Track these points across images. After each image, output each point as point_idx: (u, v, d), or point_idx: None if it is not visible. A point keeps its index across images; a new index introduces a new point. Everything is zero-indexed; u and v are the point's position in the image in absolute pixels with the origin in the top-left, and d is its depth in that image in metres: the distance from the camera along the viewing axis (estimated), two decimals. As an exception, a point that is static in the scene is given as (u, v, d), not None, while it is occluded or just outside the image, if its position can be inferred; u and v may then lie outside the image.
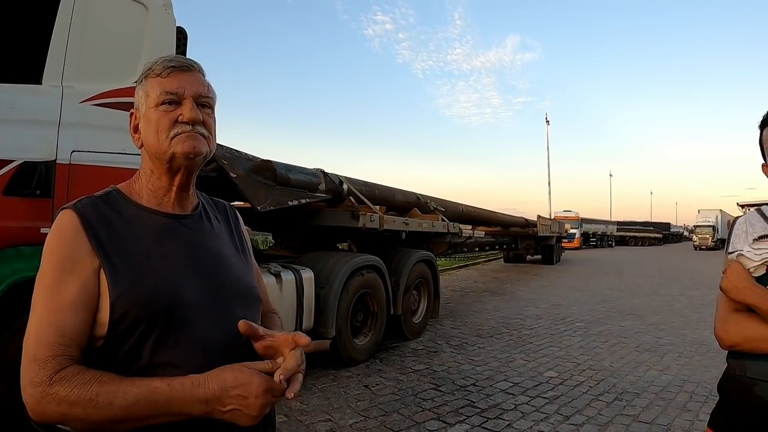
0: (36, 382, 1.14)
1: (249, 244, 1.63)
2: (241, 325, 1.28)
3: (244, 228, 1.65)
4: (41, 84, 3.73)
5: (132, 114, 1.41)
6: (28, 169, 3.61)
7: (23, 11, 4.17)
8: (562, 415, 5.05)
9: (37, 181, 3.63)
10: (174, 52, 4.27)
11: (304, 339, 1.29)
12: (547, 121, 49.60)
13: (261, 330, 1.31)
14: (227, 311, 1.34)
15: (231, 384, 1.17)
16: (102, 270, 1.23)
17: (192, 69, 1.39)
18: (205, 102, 1.38)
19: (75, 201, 1.32)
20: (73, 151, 3.78)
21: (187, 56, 4.50)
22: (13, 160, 3.56)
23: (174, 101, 1.33)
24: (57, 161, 3.72)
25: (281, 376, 1.21)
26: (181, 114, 1.32)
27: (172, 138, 1.32)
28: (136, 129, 1.40)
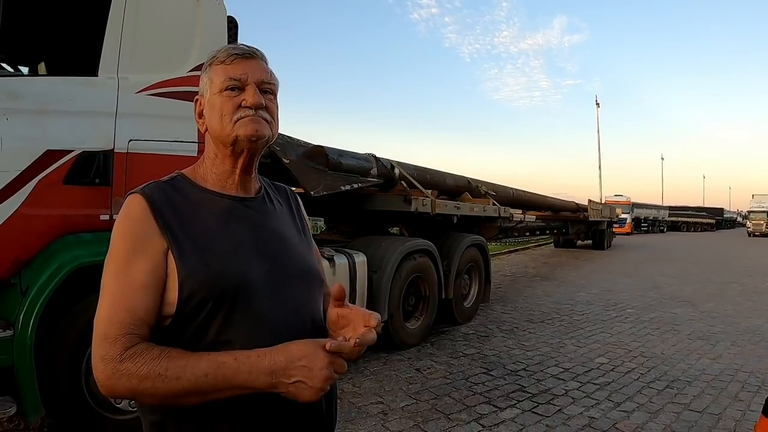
0: (107, 358, 1.17)
1: (309, 226, 1.65)
2: (337, 287, 1.35)
3: (304, 211, 1.67)
4: (97, 76, 3.78)
5: (197, 100, 1.44)
6: (87, 158, 3.68)
7: (78, 5, 4.22)
8: (612, 402, 4.94)
9: (95, 170, 3.70)
10: (225, 42, 4.27)
11: (376, 321, 1.31)
12: (597, 104, 47.78)
13: (345, 300, 1.37)
14: (290, 291, 1.37)
15: (297, 355, 1.19)
16: (170, 252, 1.26)
17: (255, 56, 1.40)
18: (267, 88, 1.39)
19: (142, 186, 1.35)
20: (131, 140, 3.84)
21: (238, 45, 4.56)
22: (72, 150, 3.63)
23: (237, 87, 1.35)
24: (115, 150, 3.78)
25: (358, 339, 1.24)
26: (244, 99, 1.34)
27: (236, 122, 1.34)
28: (200, 115, 1.43)
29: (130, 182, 3.77)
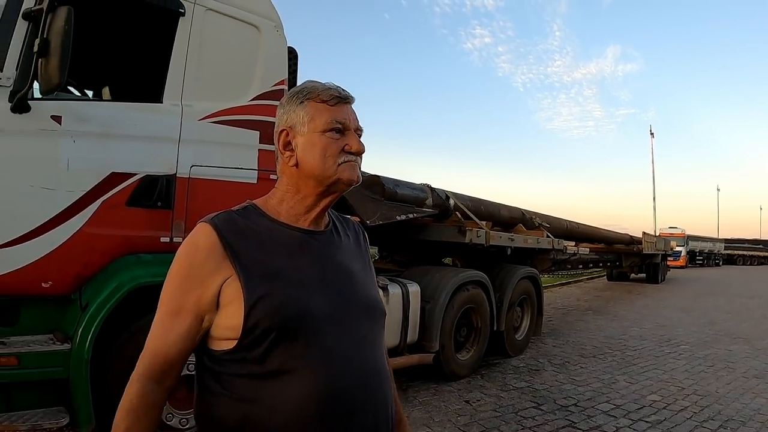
0: (133, 375, 1.32)
1: (371, 261, 1.64)
2: None
3: (368, 245, 1.66)
4: (162, 103, 3.83)
5: (284, 131, 1.42)
6: (150, 182, 3.71)
7: (144, 36, 4.31)
8: (664, 441, 4.65)
9: (158, 194, 3.73)
10: (286, 72, 4.35)
11: None
12: (652, 134, 46.44)
13: None
14: (354, 324, 1.37)
15: None
16: (237, 280, 1.27)
17: (352, 101, 1.44)
18: (359, 134, 1.43)
19: (212, 215, 1.36)
20: (193, 166, 3.85)
21: (298, 74, 4.59)
22: (136, 174, 3.66)
23: (340, 130, 1.37)
24: (177, 175, 3.80)
25: None
26: (347, 144, 1.38)
27: (339, 164, 1.36)
28: (286, 146, 1.42)
29: (192, 206, 3.80)
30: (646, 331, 10.45)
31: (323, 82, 1.45)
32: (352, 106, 1.45)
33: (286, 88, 4.29)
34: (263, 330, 1.25)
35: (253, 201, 1.45)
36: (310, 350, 1.27)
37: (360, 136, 1.43)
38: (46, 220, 3.36)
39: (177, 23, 3.87)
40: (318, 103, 1.39)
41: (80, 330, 3.38)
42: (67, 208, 3.42)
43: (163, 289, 1.34)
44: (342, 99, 1.40)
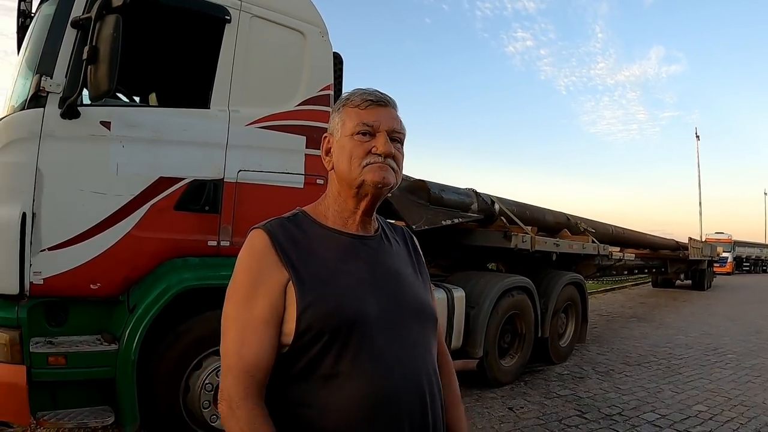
0: (230, 395, 1.26)
1: (425, 266, 1.62)
2: None
3: (420, 250, 1.65)
4: (209, 109, 3.84)
5: (325, 138, 1.46)
6: (198, 186, 3.72)
7: (191, 43, 4.35)
8: (710, 453, 4.45)
9: (205, 198, 3.74)
10: (331, 78, 4.33)
11: None
12: (697, 136, 44.32)
13: None
14: (404, 327, 1.37)
15: None
16: (291, 284, 1.28)
17: (388, 104, 1.41)
18: (396, 137, 1.40)
19: (265, 221, 1.39)
20: (240, 171, 3.85)
21: (343, 80, 4.56)
22: (184, 178, 3.67)
23: (369, 132, 1.36)
24: (225, 180, 3.79)
25: None
26: (374, 146, 1.35)
27: (364, 166, 1.35)
28: (327, 152, 1.45)
29: (239, 211, 3.79)
30: (692, 340, 10.13)
31: (367, 88, 1.43)
32: (394, 110, 1.43)
33: (332, 93, 4.28)
34: (315, 333, 1.26)
35: (303, 207, 1.47)
36: (361, 354, 1.28)
37: (398, 140, 1.41)
38: (96, 223, 3.41)
39: (223, 30, 3.88)
40: (351, 108, 1.40)
41: (127, 331, 3.41)
42: (117, 211, 3.45)
43: (227, 303, 1.34)
44: (375, 102, 1.39)
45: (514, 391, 6.17)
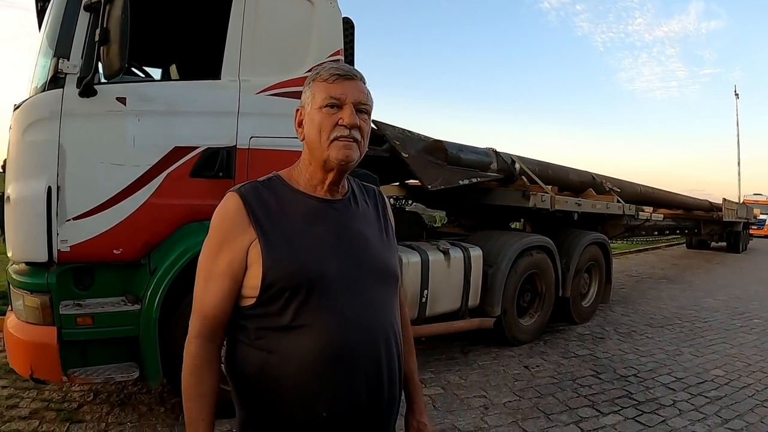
0: (190, 330, 1.46)
1: (393, 227, 1.73)
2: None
3: (390, 212, 1.75)
4: (220, 79, 3.98)
5: (298, 111, 1.55)
6: (212, 154, 3.89)
7: (200, 15, 4.46)
8: (721, 418, 4.50)
9: (219, 165, 3.90)
10: (341, 44, 4.39)
11: None
12: (737, 94, 42.38)
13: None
14: (364, 286, 1.47)
15: None
16: (258, 244, 1.40)
17: (355, 78, 1.49)
18: (363, 108, 1.48)
19: (239, 185, 1.51)
20: (252, 137, 3.99)
21: (355, 44, 4.61)
22: (198, 147, 3.84)
23: (336, 105, 1.44)
24: (237, 147, 3.95)
25: None
26: (341, 118, 1.43)
27: (331, 141, 1.44)
28: (300, 124, 1.54)
29: (252, 175, 3.84)
30: (720, 303, 9.98)
31: (338, 63, 1.52)
32: (362, 83, 1.51)
33: (342, 58, 4.35)
34: (278, 289, 1.38)
35: (278, 172, 1.58)
36: (321, 309, 1.39)
37: (364, 111, 1.49)
38: (116, 192, 3.62)
39: (232, 1, 4.00)
40: (320, 82, 1.48)
41: (149, 292, 3.65)
42: (135, 181, 3.66)
43: (200, 255, 1.48)
44: (342, 76, 1.46)
45: (532, 350, 6.26)
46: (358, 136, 1.46)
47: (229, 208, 1.45)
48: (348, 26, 4.57)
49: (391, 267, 1.60)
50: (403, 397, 1.68)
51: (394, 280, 1.60)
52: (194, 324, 1.45)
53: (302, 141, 1.53)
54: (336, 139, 1.43)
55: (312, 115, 1.47)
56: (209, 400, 1.43)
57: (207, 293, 1.44)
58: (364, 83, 1.53)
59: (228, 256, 1.42)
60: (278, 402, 1.41)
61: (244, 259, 1.42)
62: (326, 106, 1.44)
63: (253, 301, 1.41)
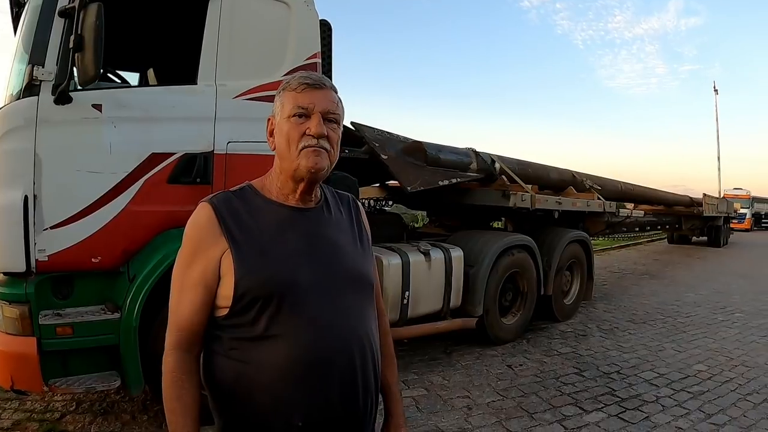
0: (167, 342, 1.47)
1: (369, 235, 1.72)
2: None
3: (365, 220, 1.74)
4: (197, 84, 3.96)
5: (269, 120, 1.55)
6: (189, 160, 3.87)
7: (176, 19, 4.43)
8: (704, 413, 4.56)
9: (196, 170, 3.88)
10: (318, 47, 4.37)
11: None
12: (716, 90, 42.69)
13: None
14: (338, 294, 1.47)
15: None
16: (230, 254, 1.41)
17: (324, 87, 1.49)
18: (332, 117, 1.48)
19: (212, 195, 1.52)
20: (229, 142, 3.98)
21: (333, 46, 4.61)
22: (175, 153, 3.83)
23: (305, 114, 1.45)
24: (215, 152, 3.93)
25: None
26: (308, 127, 1.44)
27: (301, 150, 1.44)
28: (271, 134, 1.54)
29: (230, 181, 3.89)
30: (701, 298, 10.10)
31: (308, 72, 1.54)
32: (331, 92, 1.51)
33: (320, 61, 4.34)
34: (250, 299, 1.38)
35: (251, 182, 1.58)
36: (294, 318, 1.39)
37: (334, 120, 1.49)
38: (94, 200, 3.59)
39: (207, 5, 3.98)
40: (289, 92, 1.48)
41: (128, 300, 3.63)
42: (112, 188, 3.63)
43: (174, 267, 1.49)
44: (310, 85, 1.47)
45: (515, 349, 6.30)
46: (326, 145, 1.46)
47: (200, 218, 1.46)
48: (325, 28, 4.58)
49: (366, 274, 1.60)
50: (381, 408, 1.68)
51: (369, 288, 1.60)
52: (170, 336, 1.46)
53: (273, 150, 1.54)
54: (304, 147, 1.44)
55: (281, 125, 1.48)
56: (192, 412, 1.43)
57: (181, 304, 1.45)
58: (335, 92, 1.53)
59: (201, 267, 1.43)
60: (254, 412, 1.41)
61: (216, 269, 1.42)
62: (294, 115, 1.45)
63: (226, 311, 1.42)
